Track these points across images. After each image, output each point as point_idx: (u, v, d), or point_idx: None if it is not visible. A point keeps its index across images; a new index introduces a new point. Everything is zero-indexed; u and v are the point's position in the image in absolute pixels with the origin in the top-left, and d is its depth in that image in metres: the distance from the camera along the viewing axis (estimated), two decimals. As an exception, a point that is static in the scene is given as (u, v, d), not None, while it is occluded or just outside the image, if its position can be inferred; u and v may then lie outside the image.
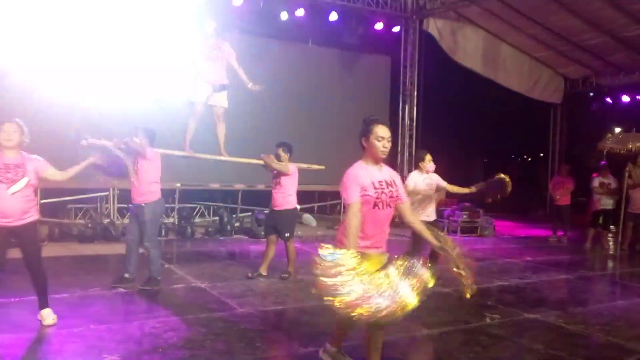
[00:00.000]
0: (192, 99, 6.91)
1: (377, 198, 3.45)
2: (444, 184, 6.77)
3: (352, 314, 2.97)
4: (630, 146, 9.84)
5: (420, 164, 6.80)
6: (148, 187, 6.09)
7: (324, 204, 14.80)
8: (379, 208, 3.47)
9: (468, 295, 3.52)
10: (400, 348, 4.53)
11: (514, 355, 4.46)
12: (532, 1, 11.47)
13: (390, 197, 3.52)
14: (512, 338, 4.86)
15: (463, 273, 3.51)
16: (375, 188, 3.46)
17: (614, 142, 10.33)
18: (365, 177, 3.47)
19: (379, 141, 3.51)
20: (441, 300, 6.06)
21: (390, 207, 3.56)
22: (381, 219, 3.52)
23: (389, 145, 3.56)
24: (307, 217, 13.31)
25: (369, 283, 3.00)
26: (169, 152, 6.85)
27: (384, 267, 3.27)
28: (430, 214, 6.70)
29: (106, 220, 10.31)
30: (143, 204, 6.09)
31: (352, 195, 3.42)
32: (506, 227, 13.95)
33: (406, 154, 14.23)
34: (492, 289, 6.85)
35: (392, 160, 15.29)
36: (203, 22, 6.93)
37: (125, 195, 10.63)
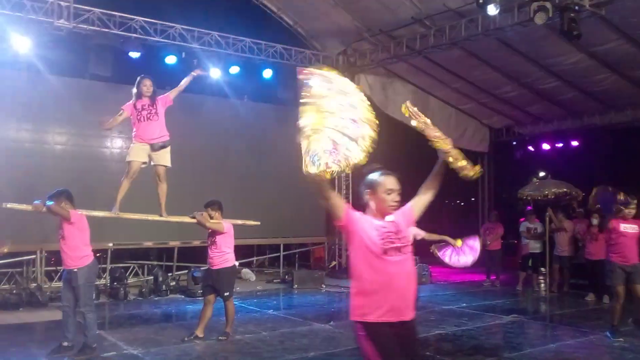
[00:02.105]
0: (129, 157, 6.72)
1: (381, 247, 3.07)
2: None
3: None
4: (546, 192, 10.47)
5: None
6: (78, 251, 5.91)
7: (263, 257, 14.67)
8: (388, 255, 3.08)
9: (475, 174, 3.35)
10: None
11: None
12: (454, 57, 12.12)
13: (401, 240, 3.14)
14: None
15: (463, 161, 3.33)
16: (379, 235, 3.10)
17: (532, 189, 10.94)
18: (369, 227, 3.11)
19: (388, 194, 3.15)
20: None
21: (403, 253, 3.14)
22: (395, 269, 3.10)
23: (399, 198, 3.20)
24: (246, 272, 13.12)
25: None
26: (95, 214, 6.58)
27: None
28: None
29: (32, 285, 9.79)
30: (75, 269, 5.91)
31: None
32: (442, 273, 14.22)
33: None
34: (430, 339, 6.94)
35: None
36: (137, 82, 6.82)
37: (53, 257, 10.21)
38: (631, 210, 6.77)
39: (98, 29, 10.11)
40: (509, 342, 7.03)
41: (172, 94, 6.91)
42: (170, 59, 11.28)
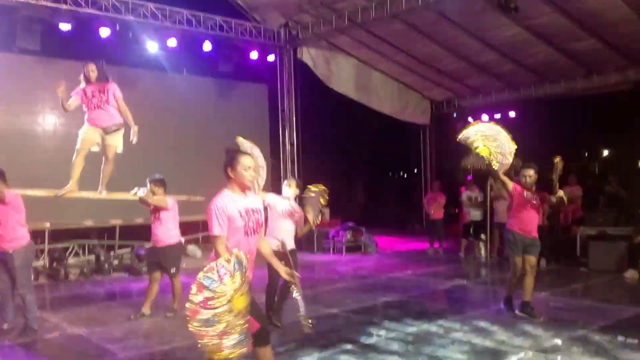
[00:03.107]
0: (80, 136, 6.48)
1: (245, 226, 3.59)
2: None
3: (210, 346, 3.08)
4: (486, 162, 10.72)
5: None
6: (13, 232, 5.68)
7: (209, 233, 14.48)
8: (248, 235, 3.62)
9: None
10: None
11: (401, 369, 4.62)
12: (395, 30, 12.19)
13: (257, 223, 3.68)
14: (399, 352, 5.04)
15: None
16: (242, 216, 3.58)
17: (474, 159, 11.19)
18: (232, 206, 3.56)
19: (246, 171, 3.61)
20: (329, 321, 6.17)
21: (257, 233, 3.73)
22: (251, 245, 3.67)
23: (254, 174, 3.74)
24: (192, 249, 12.94)
25: (234, 318, 3.13)
26: (31, 193, 6.30)
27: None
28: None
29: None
30: (10, 251, 5.68)
31: (219, 230, 3.53)
32: (388, 242, 14.53)
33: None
34: (378, 306, 7.09)
35: (275, 185, 15.40)
36: (84, 67, 6.46)
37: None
38: (527, 179, 6.25)
39: (25, 0, 9.55)
40: (453, 306, 7.26)
41: (120, 99, 6.55)
42: (104, 32, 10.81)
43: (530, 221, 6.28)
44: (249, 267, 3.59)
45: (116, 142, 6.56)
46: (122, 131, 6.59)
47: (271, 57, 13.70)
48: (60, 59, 11.16)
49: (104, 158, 6.62)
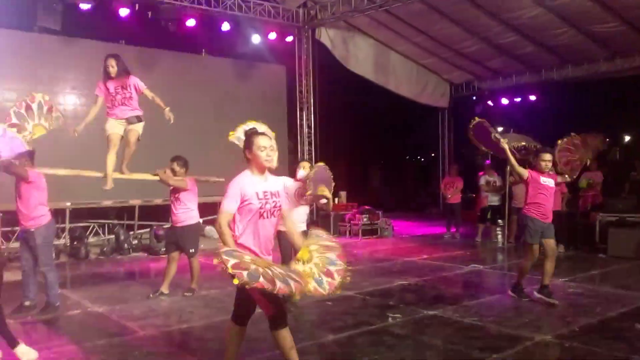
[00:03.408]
0: (107, 132, 6.50)
1: (261, 208, 3.58)
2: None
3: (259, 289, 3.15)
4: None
5: None
6: (35, 211, 5.76)
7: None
8: (264, 217, 3.61)
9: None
10: (309, 356, 4.58)
11: (416, 353, 4.64)
12: (415, 11, 12.05)
13: (274, 207, 3.66)
14: (413, 336, 5.06)
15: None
16: (259, 198, 3.58)
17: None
18: (250, 187, 3.58)
19: (261, 151, 3.62)
20: (345, 304, 6.20)
21: (275, 217, 3.69)
22: (267, 228, 3.66)
23: (272, 153, 3.69)
24: (210, 230, 13.06)
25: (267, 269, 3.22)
26: (54, 172, 6.34)
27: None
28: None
29: (-12, 247, 9.52)
30: (32, 229, 5.78)
31: (229, 206, 3.53)
32: (404, 226, 14.52)
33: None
34: (393, 289, 7.10)
35: (293, 168, 15.42)
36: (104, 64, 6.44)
37: (9, 218, 9.90)
38: (547, 163, 6.20)
39: (45, -22, 9.59)
40: (469, 291, 7.25)
41: (145, 89, 6.57)
42: (124, 12, 10.85)
43: (547, 206, 6.23)
44: (265, 250, 3.64)
45: (138, 128, 6.58)
46: (143, 123, 6.61)
47: (289, 38, 13.64)
48: (81, 38, 11.23)
49: (125, 142, 6.62)
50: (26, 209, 5.76)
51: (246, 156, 3.70)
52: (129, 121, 6.49)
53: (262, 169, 3.67)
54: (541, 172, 6.24)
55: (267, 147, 3.65)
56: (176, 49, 12.27)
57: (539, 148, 6.57)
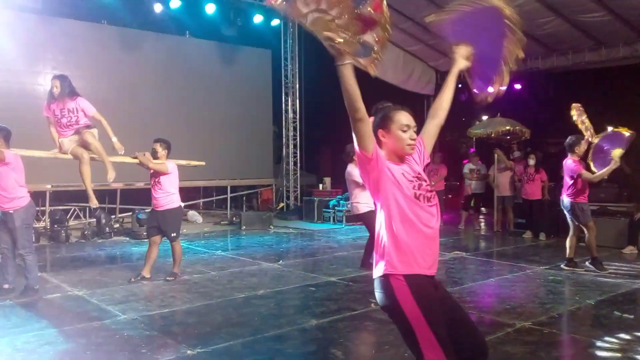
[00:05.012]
0: (67, 151, 6.15)
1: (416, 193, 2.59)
2: None
3: None
4: (490, 131, 10.71)
5: None
6: (14, 192, 5.68)
7: (210, 199, 14.53)
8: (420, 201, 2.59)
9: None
10: (291, 340, 4.57)
11: (398, 338, 4.63)
12: (403, -3, 11.97)
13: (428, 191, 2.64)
14: (396, 321, 5.07)
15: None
16: (410, 181, 2.60)
17: (481, 127, 11.16)
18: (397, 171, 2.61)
19: (404, 132, 2.65)
20: (328, 290, 6.21)
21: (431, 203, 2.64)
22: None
23: (416, 136, 2.71)
24: (192, 214, 13.01)
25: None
26: (30, 154, 6.19)
27: None
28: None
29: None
30: (11, 211, 5.71)
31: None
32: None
33: (291, 146, 14.35)
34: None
35: (278, 153, 15.37)
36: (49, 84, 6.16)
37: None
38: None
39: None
40: (451, 277, 7.28)
41: (94, 113, 6.17)
42: (106, -9, 10.65)
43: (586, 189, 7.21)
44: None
45: (91, 130, 6.23)
46: (95, 130, 6.27)
47: (275, 22, 13.50)
48: (62, 17, 11.01)
49: (86, 147, 6.23)
50: (4, 190, 5.67)
51: (379, 138, 2.66)
52: (78, 131, 6.16)
53: (402, 158, 2.67)
54: (581, 163, 7.12)
55: (412, 126, 2.67)
56: (160, 30, 12.09)
57: (574, 140, 7.17)
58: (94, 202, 6.24)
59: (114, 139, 6.16)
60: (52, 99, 6.12)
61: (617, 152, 6.88)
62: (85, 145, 6.17)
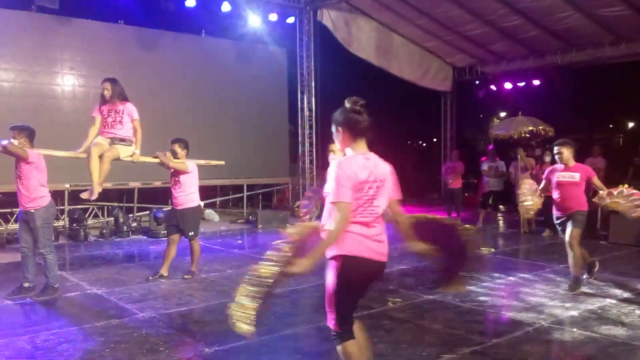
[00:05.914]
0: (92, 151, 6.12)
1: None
2: None
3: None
4: (512, 132, 10.49)
5: None
6: (35, 192, 5.72)
7: (226, 198, 14.58)
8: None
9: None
10: (308, 339, 4.56)
11: (415, 337, 4.62)
12: (419, -7, 11.91)
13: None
14: (413, 320, 5.05)
15: None
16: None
17: (501, 128, 10.99)
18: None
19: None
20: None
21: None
22: None
23: None
24: (210, 213, 13.06)
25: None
26: (50, 153, 6.19)
27: None
28: None
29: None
30: (32, 210, 5.75)
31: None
32: (405, 211, 14.45)
33: (307, 144, 14.33)
34: (393, 274, 7.07)
35: (293, 152, 15.36)
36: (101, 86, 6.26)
37: (8, 200, 9.89)
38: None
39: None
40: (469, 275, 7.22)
41: (136, 118, 6.27)
42: (122, -9, 10.72)
43: None
44: None
45: (121, 149, 6.22)
46: (129, 146, 6.30)
47: (290, 19, 13.49)
48: (80, 17, 11.12)
49: (103, 156, 6.16)
50: (26, 190, 5.72)
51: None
52: (113, 142, 6.21)
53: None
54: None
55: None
56: (175, 29, 12.15)
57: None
58: (94, 194, 6.19)
59: (137, 151, 6.30)
60: (104, 101, 6.22)
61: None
62: (104, 154, 6.17)
